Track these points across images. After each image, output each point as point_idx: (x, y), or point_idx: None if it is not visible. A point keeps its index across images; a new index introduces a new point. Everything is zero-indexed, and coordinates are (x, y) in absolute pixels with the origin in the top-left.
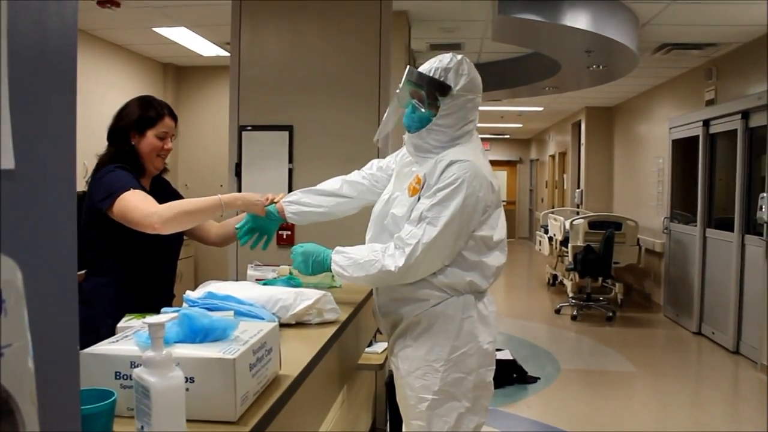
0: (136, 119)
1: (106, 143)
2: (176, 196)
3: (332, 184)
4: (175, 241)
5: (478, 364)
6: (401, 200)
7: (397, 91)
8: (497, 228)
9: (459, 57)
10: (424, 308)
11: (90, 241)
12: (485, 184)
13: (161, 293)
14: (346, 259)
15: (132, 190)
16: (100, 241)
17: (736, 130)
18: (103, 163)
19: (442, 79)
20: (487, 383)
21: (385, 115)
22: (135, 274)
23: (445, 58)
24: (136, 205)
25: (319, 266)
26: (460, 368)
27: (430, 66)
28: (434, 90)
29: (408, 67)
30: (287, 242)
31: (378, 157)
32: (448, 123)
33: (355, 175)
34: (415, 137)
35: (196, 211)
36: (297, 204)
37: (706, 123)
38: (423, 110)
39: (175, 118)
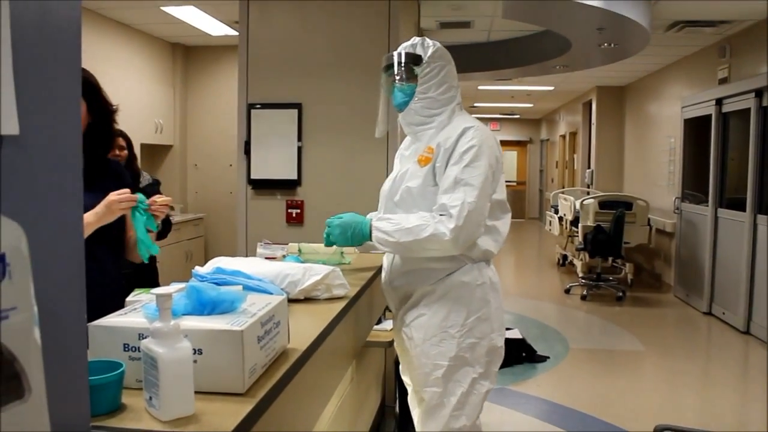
0: None
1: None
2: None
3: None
4: (112, 226)
5: (490, 329)
6: (413, 172)
7: (382, 81)
8: (502, 191)
9: (422, 38)
10: (438, 277)
11: None
12: (496, 148)
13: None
14: (390, 225)
15: None
16: None
17: (749, 108)
18: None
19: (411, 52)
20: (498, 348)
21: (379, 111)
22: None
23: (411, 41)
24: None
25: (358, 236)
26: (475, 333)
27: (399, 48)
28: (409, 62)
29: (384, 56)
30: (296, 220)
31: (388, 137)
32: (430, 88)
33: None
34: (407, 113)
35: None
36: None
37: (719, 102)
38: (404, 85)
39: None
